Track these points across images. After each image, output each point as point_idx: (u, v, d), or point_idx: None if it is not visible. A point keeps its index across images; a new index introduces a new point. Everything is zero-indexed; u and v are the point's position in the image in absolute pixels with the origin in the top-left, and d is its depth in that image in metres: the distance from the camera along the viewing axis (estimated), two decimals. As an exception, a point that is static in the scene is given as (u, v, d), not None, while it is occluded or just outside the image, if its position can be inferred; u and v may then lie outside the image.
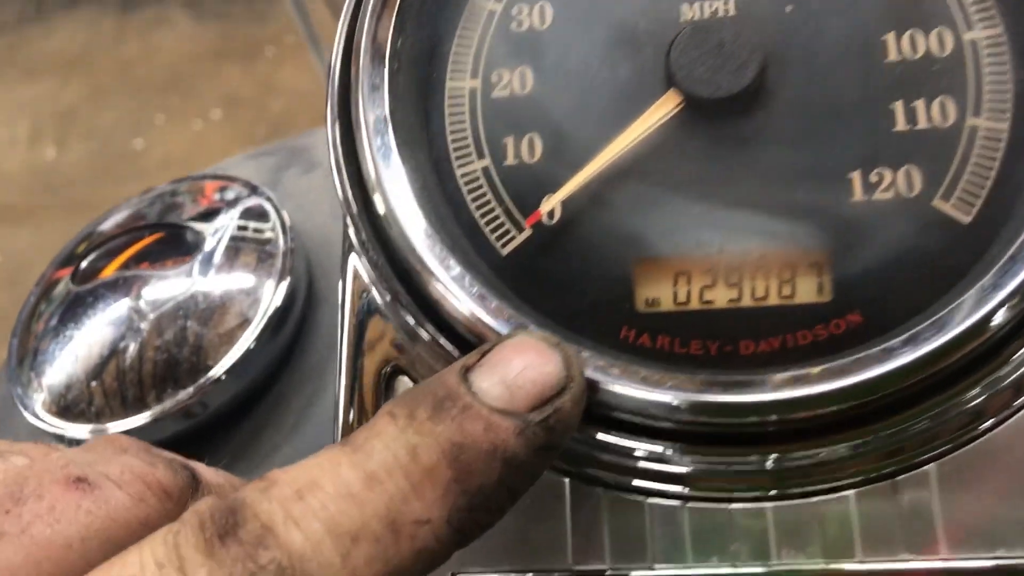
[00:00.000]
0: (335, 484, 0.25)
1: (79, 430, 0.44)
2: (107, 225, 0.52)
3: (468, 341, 0.31)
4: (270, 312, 0.45)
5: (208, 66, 3.06)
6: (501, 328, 0.30)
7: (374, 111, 0.32)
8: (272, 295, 0.46)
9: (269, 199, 0.49)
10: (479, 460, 0.26)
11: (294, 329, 0.47)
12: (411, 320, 0.32)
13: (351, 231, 0.33)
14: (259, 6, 3.08)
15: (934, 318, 0.28)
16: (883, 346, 0.28)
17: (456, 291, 0.30)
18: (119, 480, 0.28)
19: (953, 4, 0.32)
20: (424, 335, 0.32)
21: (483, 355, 0.27)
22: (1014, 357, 0.29)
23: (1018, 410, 0.29)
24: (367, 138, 0.32)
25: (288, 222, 0.48)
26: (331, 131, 0.33)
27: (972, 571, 0.28)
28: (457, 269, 0.31)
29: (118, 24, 3.23)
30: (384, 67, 0.33)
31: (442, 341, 0.31)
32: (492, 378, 0.27)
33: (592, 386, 0.29)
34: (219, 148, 2.79)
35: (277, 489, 0.25)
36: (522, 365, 0.27)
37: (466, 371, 0.27)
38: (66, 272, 0.50)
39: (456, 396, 0.26)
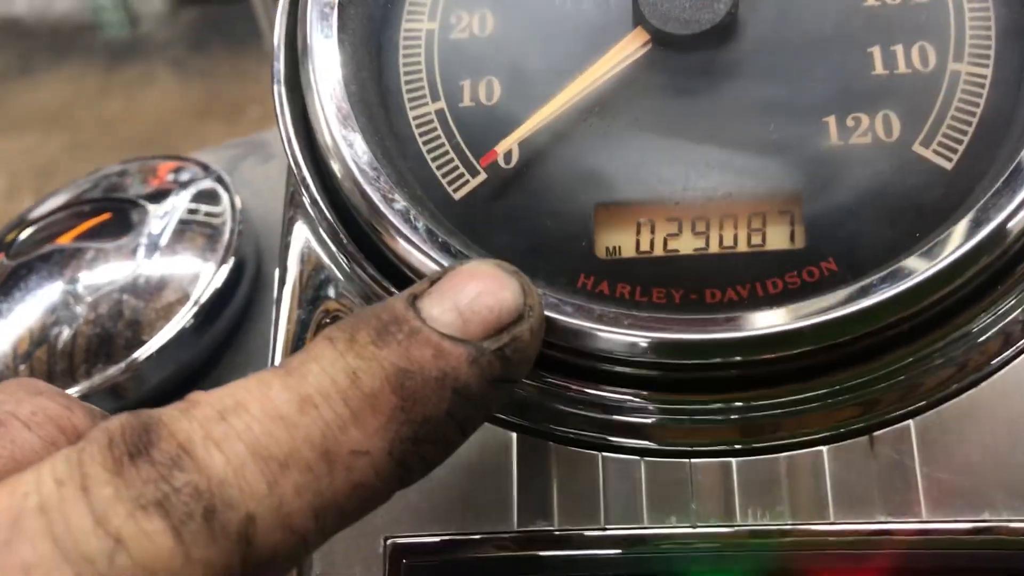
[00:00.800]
0: (263, 406, 0.23)
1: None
2: (45, 206, 0.50)
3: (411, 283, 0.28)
4: (210, 291, 0.43)
5: (191, 124, 3.07)
6: (449, 264, 0.27)
7: (323, 38, 0.30)
8: (213, 275, 0.43)
9: (220, 180, 0.46)
10: (427, 388, 0.23)
11: (237, 312, 0.44)
12: (357, 268, 0.30)
13: (296, 184, 0.31)
14: (244, 66, 3.10)
15: (915, 254, 0.26)
16: (859, 284, 0.26)
17: (401, 226, 0.28)
18: (28, 420, 0.25)
19: None
20: (366, 277, 0.29)
21: (433, 283, 0.25)
22: (993, 307, 0.27)
23: (1002, 365, 0.27)
24: (314, 69, 0.30)
25: (239, 205, 0.46)
26: (277, 64, 0.31)
27: (955, 533, 0.25)
28: (402, 203, 0.28)
29: (103, 80, 3.24)
30: (335, -3, 0.31)
31: (386, 284, 0.29)
32: (443, 304, 0.24)
33: (546, 324, 0.26)
34: (197, 204, 2.77)
35: (198, 409, 0.23)
36: (477, 291, 0.24)
37: (414, 298, 0.25)
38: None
39: (403, 320, 0.24)
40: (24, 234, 0.46)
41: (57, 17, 3.53)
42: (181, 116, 3.10)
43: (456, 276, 0.25)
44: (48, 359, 0.41)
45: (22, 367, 0.42)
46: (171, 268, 0.43)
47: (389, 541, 0.27)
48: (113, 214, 0.46)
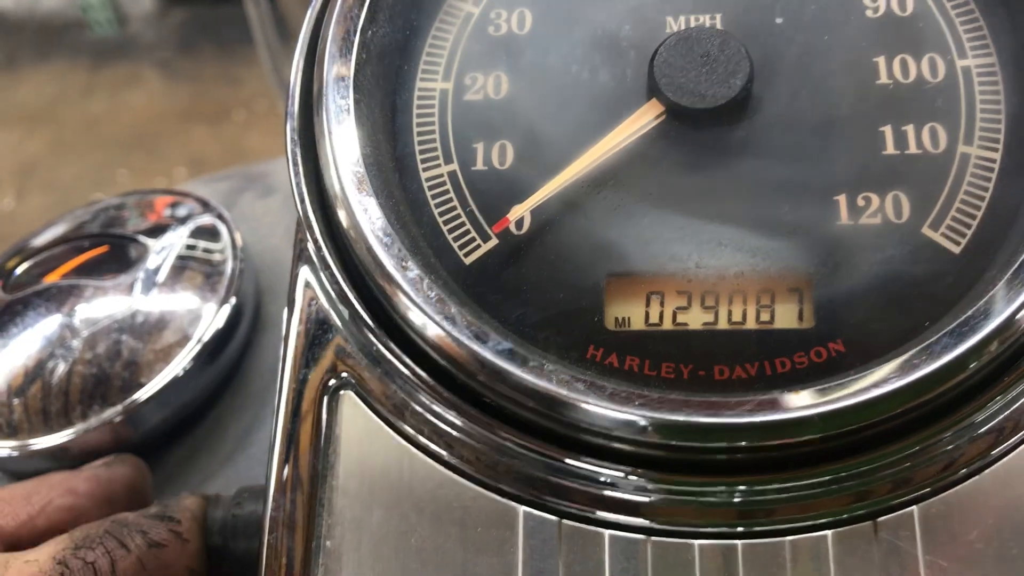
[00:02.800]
0: None
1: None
2: (45, 236, 0.49)
3: (422, 350, 0.28)
4: (211, 332, 0.42)
5: (176, 126, 3.06)
6: (460, 335, 0.27)
7: (338, 103, 0.30)
8: (215, 315, 0.43)
9: (221, 217, 0.46)
10: None
11: (237, 353, 0.44)
12: (363, 329, 0.30)
13: (306, 233, 0.31)
14: (232, 70, 3.10)
15: (922, 345, 0.26)
16: (868, 373, 0.26)
17: (410, 292, 0.28)
18: None
19: (947, 30, 0.31)
20: (377, 346, 0.29)
21: None
22: (1001, 396, 0.27)
23: (1007, 453, 0.27)
24: (328, 133, 0.30)
25: (240, 243, 0.45)
26: (290, 124, 0.31)
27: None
28: (415, 272, 0.28)
29: (88, 79, 3.23)
30: (351, 57, 0.31)
31: (395, 351, 0.29)
32: None
33: (556, 401, 0.26)
34: (181, 206, 2.75)
35: None
36: None
37: None
38: None
39: None
40: (22, 267, 0.45)
41: (44, 14, 3.52)
42: (166, 117, 3.09)
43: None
44: (43, 397, 0.41)
45: (16, 402, 0.41)
46: (170, 306, 0.43)
47: (390, 613, 0.27)
48: (111, 249, 0.46)
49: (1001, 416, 0.27)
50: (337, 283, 0.30)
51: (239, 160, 2.81)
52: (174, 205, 0.49)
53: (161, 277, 0.44)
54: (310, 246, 0.31)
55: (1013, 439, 0.27)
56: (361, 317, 0.30)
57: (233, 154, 2.85)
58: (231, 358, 0.43)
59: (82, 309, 0.43)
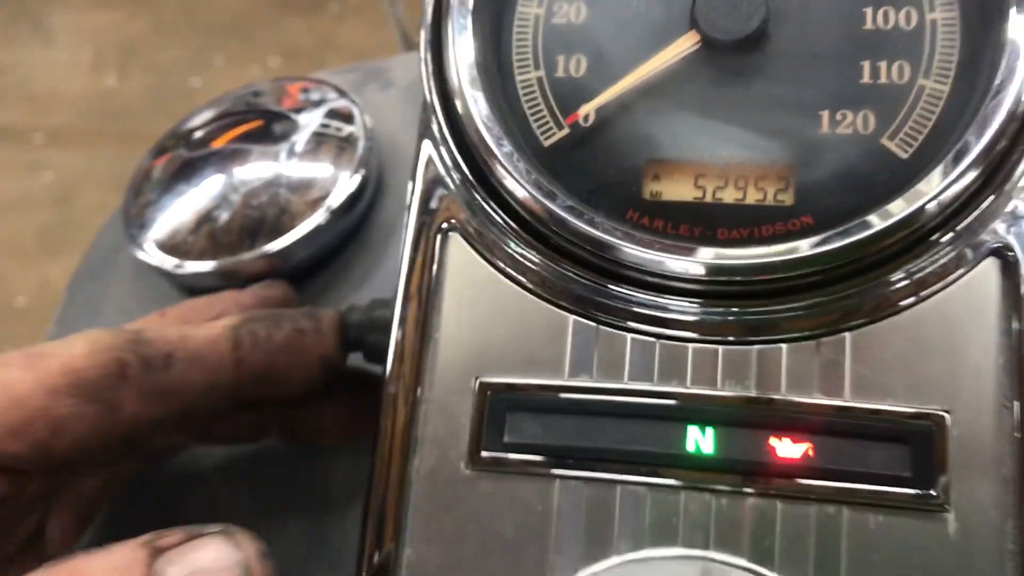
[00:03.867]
0: None
1: (182, 266, 0.54)
2: (202, 116, 0.62)
3: (510, 205, 0.40)
4: (346, 193, 0.55)
5: (271, 14, 3.12)
6: (537, 194, 0.39)
7: (460, 21, 0.42)
8: (349, 180, 0.55)
9: (354, 102, 0.58)
10: None
11: (363, 210, 0.57)
12: (468, 189, 0.42)
13: (427, 115, 0.43)
14: (327, -38, 3.14)
15: (862, 220, 0.37)
16: (826, 234, 0.37)
17: (506, 163, 0.40)
18: None
19: None
20: (478, 201, 0.41)
21: (182, 543, 0.30)
22: (915, 261, 0.38)
23: (921, 300, 0.38)
24: (452, 43, 0.42)
25: (369, 124, 0.58)
26: (425, 33, 0.43)
27: (861, 411, 0.37)
28: (508, 148, 0.40)
29: (189, -37, 3.28)
30: (471, -8, 0.42)
31: (492, 205, 0.41)
32: (184, 568, 0.30)
33: (601, 243, 0.38)
34: (273, 94, 2.86)
35: None
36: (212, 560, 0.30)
37: (158, 551, 0.30)
38: (163, 158, 0.60)
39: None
40: (198, 133, 0.58)
41: None
42: (262, 6, 3.16)
43: (200, 545, 0.30)
44: (217, 231, 0.54)
45: (198, 232, 0.55)
46: (313, 171, 0.56)
47: (479, 380, 0.40)
48: (265, 122, 0.59)
49: (916, 275, 0.38)
50: (452, 154, 0.42)
51: (332, 53, 2.90)
52: (305, 90, 0.61)
53: (305, 148, 0.57)
54: (433, 126, 0.43)
55: (921, 294, 0.38)
56: (469, 180, 0.42)
57: (326, 47, 2.93)
58: (359, 213, 0.56)
59: (246, 168, 0.56)
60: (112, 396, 0.40)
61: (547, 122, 0.42)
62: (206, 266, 0.53)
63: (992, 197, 0.38)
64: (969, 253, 0.39)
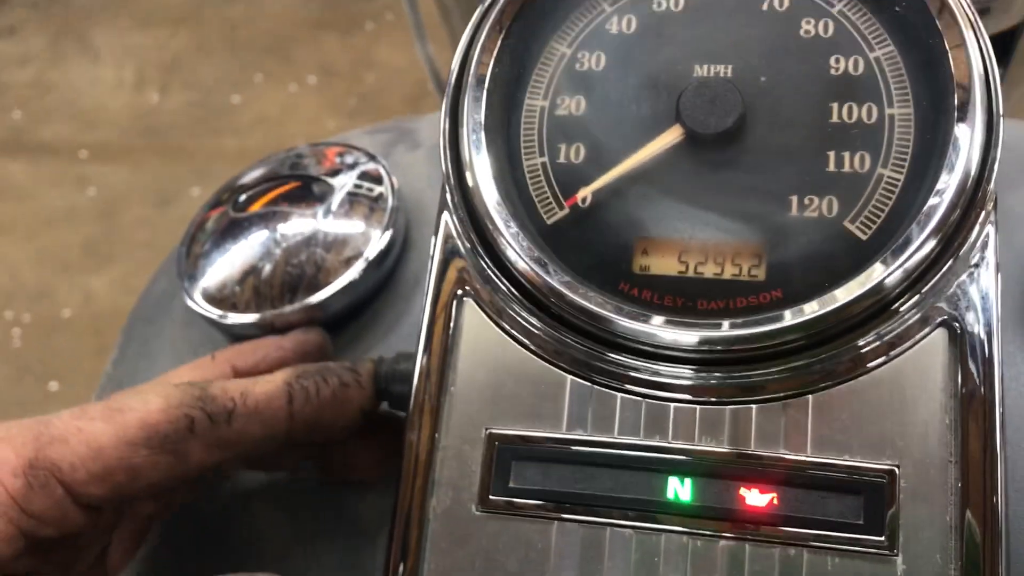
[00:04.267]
0: None
1: (227, 317, 0.60)
2: (251, 176, 0.69)
3: (515, 278, 0.46)
4: (376, 250, 0.61)
5: (309, 34, 3.20)
6: (537, 269, 0.45)
7: (474, 116, 0.48)
8: (379, 238, 0.62)
9: (383, 166, 0.65)
10: None
11: (392, 265, 0.63)
12: (480, 262, 0.48)
13: (447, 195, 0.49)
14: (364, -17, 3.21)
15: (826, 295, 0.43)
16: (794, 308, 0.43)
17: (512, 243, 0.46)
18: None
19: (882, 87, 0.47)
20: (488, 272, 0.47)
21: None
22: (876, 330, 0.43)
23: (877, 367, 0.44)
24: (467, 133, 0.48)
25: (396, 185, 0.64)
26: (443, 124, 0.49)
27: (823, 465, 0.43)
28: (514, 228, 0.46)
29: (230, -16, 3.36)
30: (484, 87, 0.48)
31: (500, 277, 0.47)
32: None
33: (594, 315, 0.44)
34: (310, 112, 2.95)
35: None
36: None
37: None
38: (216, 211, 0.66)
39: None
40: (244, 195, 0.65)
41: (192, -82, 3.67)
42: (300, 25, 3.23)
43: None
44: (259, 286, 0.61)
45: (240, 288, 0.61)
46: (346, 229, 0.62)
47: (488, 430, 0.46)
48: (301, 185, 0.65)
49: (878, 341, 0.44)
50: (466, 229, 0.48)
51: (367, 71, 2.96)
52: (341, 154, 0.68)
53: (339, 208, 0.63)
54: (449, 202, 0.49)
55: (876, 360, 0.44)
56: (479, 252, 0.47)
57: (361, 65, 2.99)
58: (388, 268, 0.62)
59: (286, 227, 0.62)
60: (182, 448, 0.46)
61: (550, 203, 0.48)
62: (250, 318, 0.59)
63: (950, 263, 0.43)
64: (921, 324, 0.44)
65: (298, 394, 0.50)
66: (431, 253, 0.50)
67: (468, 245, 0.48)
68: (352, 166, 0.66)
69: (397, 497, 0.47)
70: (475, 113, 0.48)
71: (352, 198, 0.64)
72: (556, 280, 0.45)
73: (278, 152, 0.69)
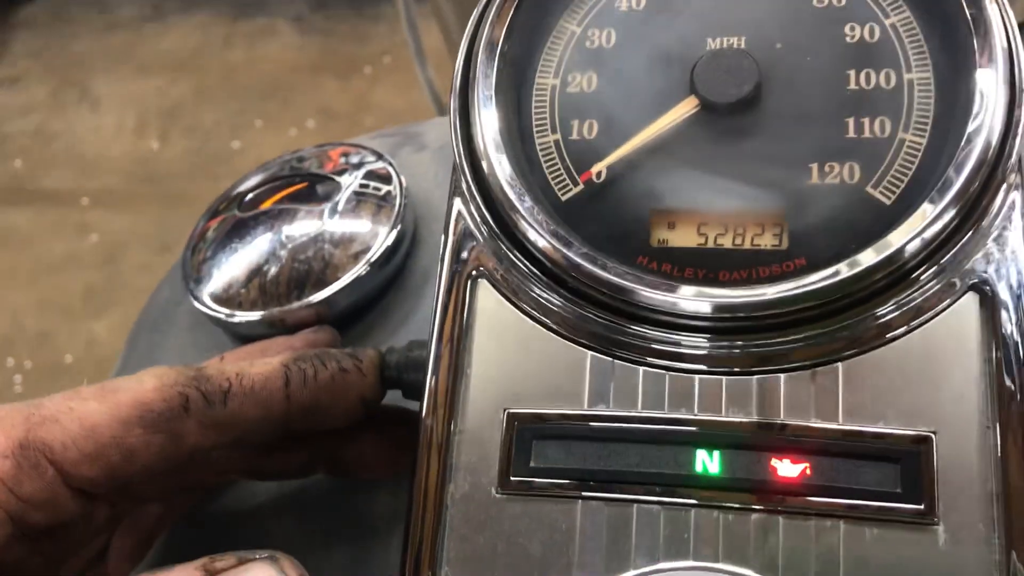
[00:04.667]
0: None
1: (234, 315, 0.59)
2: (249, 182, 0.68)
3: (532, 254, 0.45)
4: (384, 247, 0.60)
5: (307, 78, 3.22)
6: (556, 243, 0.44)
7: (484, 93, 0.47)
8: (387, 235, 0.61)
9: (391, 164, 0.64)
10: None
11: (400, 262, 0.62)
12: (495, 240, 0.46)
13: (458, 177, 0.48)
14: (362, 26, 3.26)
15: (853, 258, 0.42)
16: (817, 273, 0.42)
17: (528, 217, 0.45)
18: None
19: (899, 52, 0.46)
20: (504, 251, 0.46)
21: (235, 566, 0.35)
22: (897, 297, 0.42)
23: (905, 334, 0.42)
24: (478, 112, 0.47)
25: (404, 184, 0.63)
26: (453, 102, 0.48)
27: (856, 433, 0.41)
28: (528, 203, 0.45)
29: (228, 30, 3.41)
30: (494, 63, 0.47)
31: (516, 255, 0.46)
32: None
33: (614, 286, 0.43)
34: (311, 154, 2.94)
35: None
36: None
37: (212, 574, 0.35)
38: (216, 220, 0.66)
39: None
40: (250, 195, 0.64)
41: (190, -32, 3.72)
42: (298, 70, 3.26)
43: (249, 569, 0.35)
44: (268, 283, 0.60)
45: (249, 286, 0.60)
46: (354, 227, 0.61)
47: (507, 411, 0.45)
48: (309, 184, 0.64)
49: (902, 308, 0.42)
50: (480, 209, 0.47)
51: (366, 114, 2.98)
52: (347, 154, 0.67)
53: (346, 206, 0.62)
54: (462, 184, 0.48)
55: (907, 326, 0.42)
56: (495, 232, 0.46)
57: (361, 108, 3.00)
58: (396, 265, 0.61)
59: (292, 225, 0.61)
60: (176, 427, 0.45)
61: (564, 180, 0.47)
62: (256, 315, 0.58)
63: (970, 234, 0.42)
64: (951, 288, 0.43)
65: (295, 376, 0.48)
66: (443, 235, 0.49)
67: (482, 225, 0.47)
68: (358, 165, 0.65)
69: (411, 487, 0.46)
70: (486, 89, 0.47)
71: (359, 196, 0.63)
72: (576, 253, 0.44)
73: (277, 157, 0.69)
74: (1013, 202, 0.43)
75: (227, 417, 0.46)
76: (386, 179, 0.63)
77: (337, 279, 0.58)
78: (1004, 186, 0.43)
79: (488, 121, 0.47)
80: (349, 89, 3.11)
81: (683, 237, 0.45)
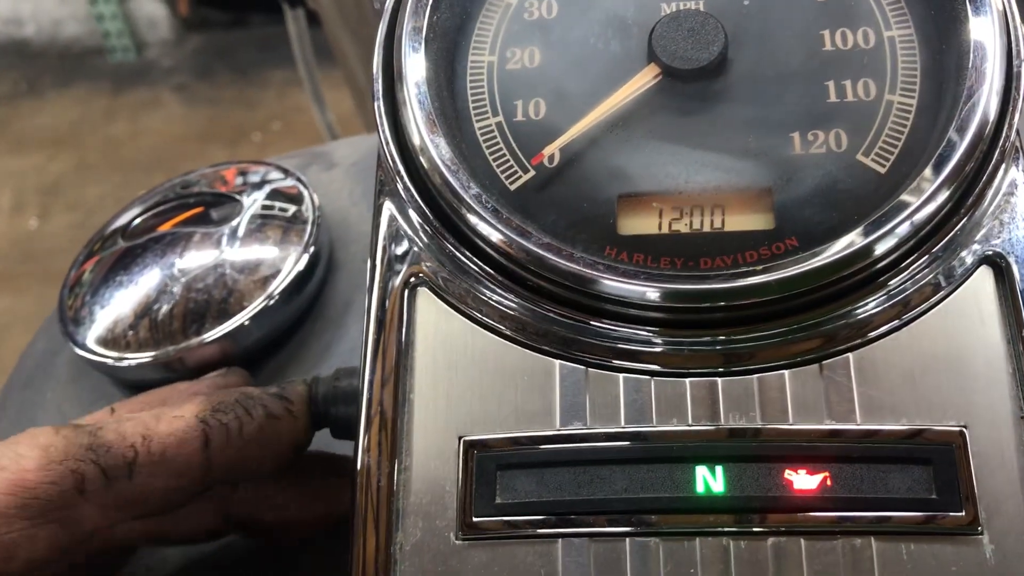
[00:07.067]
0: None
1: (122, 360, 0.50)
2: (129, 214, 0.59)
3: (482, 250, 0.38)
4: (295, 272, 0.52)
5: (194, 147, 3.14)
6: (512, 234, 0.37)
7: (413, 69, 0.40)
8: (298, 259, 0.53)
9: (302, 180, 0.56)
10: None
11: (316, 288, 0.54)
12: (437, 238, 0.39)
13: (387, 171, 0.41)
14: (249, 93, 3.19)
15: (853, 232, 0.36)
16: (811, 251, 0.36)
17: (475, 206, 0.38)
18: None
19: (876, 9, 0.41)
20: (449, 249, 0.39)
21: None
22: (909, 271, 0.36)
23: (917, 317, 0.37)
24: (406, 91, 0.40)
25: (317, 202, 0.55)
26: (376, 86, 0.41)
27: (877, 433, 0.35)
28: (475, 190, 0.38)
29: (109, 104, 3.31)
30: (422, 35, 0.41)
31: (463, 252, 0.39)
32: None
33: (583, 279, 0.36)
34: (201, 224, 2.83)
35: None
36: None
37: None
38: (92, 261, 0.57)
39: None
40: (136, 221, 0.55)
41: (65, 41, 3.61)
42: (185, 140, 3.17)
43: None
44: (162, 319, 0.51)
45: (140, 323, 0.51)
46: (260, 253, 0.53)
47: (462, 439, 0.37)
48: (206, 207, 0.56)
49: (910, 290, 0.37)
50: (417, 205, 0.40)
51: (258, 178, 2.88)
52: (246, 172, 0.59)
53: (249, 228, 0.54)
54: (392, 179, 0.41)
55: (920, 307, 0.37)
56: (436, 228, 0.39)
57: (252, 173, 2.91)
58: (311, 292, 0.53)
59: (188, 253, 0.53)
60: (69, 514, 0.35)
61: (511, 166, 0.41)
62: (148, 356, 0.49)
63: (982, 204, 0.37)
64: (961, 263, 0.37)
65: (216, 433, 0.39)
66: (371, 243, 0.41)
67: (420, 223, 0.40)
68: (260, 184, 0.57)
69: (351, 541, 0.37)
70: (414, 65, 0.40)
71: (263, 218, 0.55)
72: (536, 244, 0.37)
73: (161, 183, 0.60)
74: (1021, 166, 0.39)
75: (133, 494, 0.37)
76: (295, 198, 0.56)
77: (242, 309, 0.50)
78: (1010, 147, 0.38)
79: (420, 105, 0.40)
80: (238, 155, 3.01)
81: (655, 223, 0.39)
